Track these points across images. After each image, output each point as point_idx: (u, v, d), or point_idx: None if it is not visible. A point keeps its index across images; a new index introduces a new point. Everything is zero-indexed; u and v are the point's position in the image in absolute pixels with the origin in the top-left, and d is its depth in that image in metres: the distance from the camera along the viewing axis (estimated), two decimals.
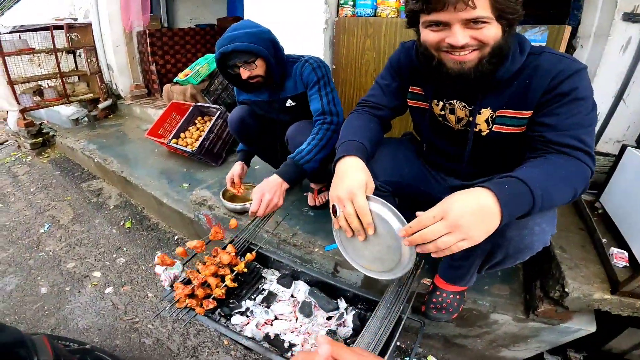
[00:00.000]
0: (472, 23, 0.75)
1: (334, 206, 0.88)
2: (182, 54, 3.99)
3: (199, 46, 4.14)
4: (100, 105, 3.85)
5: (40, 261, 2.04)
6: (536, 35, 1.67)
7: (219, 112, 2.47)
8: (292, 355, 1.03)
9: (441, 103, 1.02)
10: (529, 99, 0.86)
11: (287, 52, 1.51)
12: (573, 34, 1.88)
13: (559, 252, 1.26)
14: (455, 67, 0.82)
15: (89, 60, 3.60)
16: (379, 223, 0.85)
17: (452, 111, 1.01)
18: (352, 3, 2.10)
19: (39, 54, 3.33)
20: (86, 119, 3.89)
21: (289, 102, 1.55)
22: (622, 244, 1.24)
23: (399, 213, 0.83)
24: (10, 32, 3.09)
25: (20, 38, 3.17)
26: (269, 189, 1.23)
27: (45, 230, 2.32)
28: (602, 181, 1.52)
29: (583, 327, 1.19)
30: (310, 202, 1.77)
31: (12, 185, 2.95)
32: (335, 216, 0.89)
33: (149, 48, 3.71)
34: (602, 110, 1.75)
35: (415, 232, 0.71)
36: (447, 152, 1.12)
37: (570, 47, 1.94)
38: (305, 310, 1.14)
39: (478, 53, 0.79)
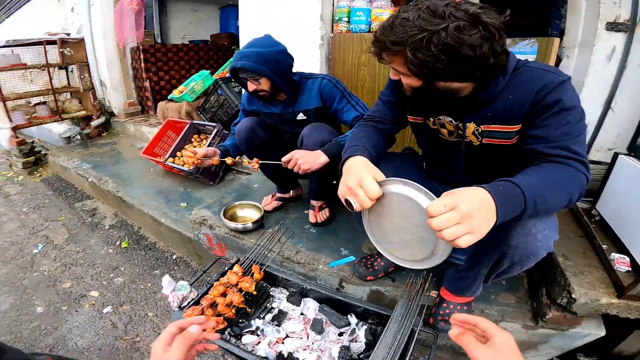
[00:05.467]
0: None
1: (346, 200, 0.87)
2: (176, 70, 3.99)
3: (193, 62, 4.14)
4: (93, 123, 3.81)
5: (35, 281, 2.00)
6: (526, 48, 1.69)
7: (215, 129, 2.46)
8: None
9: (432, 119, 1.08)
10: (515, 114, 0.90)
11: None
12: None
13: (562, 260, 1.27)
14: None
15: (81, 76, 3.57)
16: (408, 205, 0.80)
17: (442, 125, 1.07)
18: (346, 19, 2.13)
19: (31, 70, 3.29)
20: (79, 137, 3.85)
21: (301, 116, 1.62)
22: (622, 249, 1.26)
23: (424, 188, 0.78)
24: (2, 46, 3.05)
25: (12, 53, 3.14)
26: (305, 153, 1.38)
27: (39, 250, 2.28)
28: (597, 189, 1.54)
29: (592, 331, 1.21)
30: (312, 219, 1.77)
31: (4, 205, 2.88)
32: (351, 209, 0.86)
33: (142, 64, 3.71)
34: (592, 119, 1.78)
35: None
36: (444, 163, 1.18)
37: (557, 58, 1.98)
38: (317, 327, 1.14)
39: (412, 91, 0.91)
